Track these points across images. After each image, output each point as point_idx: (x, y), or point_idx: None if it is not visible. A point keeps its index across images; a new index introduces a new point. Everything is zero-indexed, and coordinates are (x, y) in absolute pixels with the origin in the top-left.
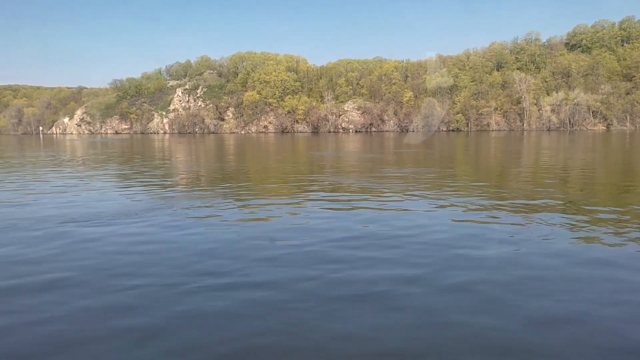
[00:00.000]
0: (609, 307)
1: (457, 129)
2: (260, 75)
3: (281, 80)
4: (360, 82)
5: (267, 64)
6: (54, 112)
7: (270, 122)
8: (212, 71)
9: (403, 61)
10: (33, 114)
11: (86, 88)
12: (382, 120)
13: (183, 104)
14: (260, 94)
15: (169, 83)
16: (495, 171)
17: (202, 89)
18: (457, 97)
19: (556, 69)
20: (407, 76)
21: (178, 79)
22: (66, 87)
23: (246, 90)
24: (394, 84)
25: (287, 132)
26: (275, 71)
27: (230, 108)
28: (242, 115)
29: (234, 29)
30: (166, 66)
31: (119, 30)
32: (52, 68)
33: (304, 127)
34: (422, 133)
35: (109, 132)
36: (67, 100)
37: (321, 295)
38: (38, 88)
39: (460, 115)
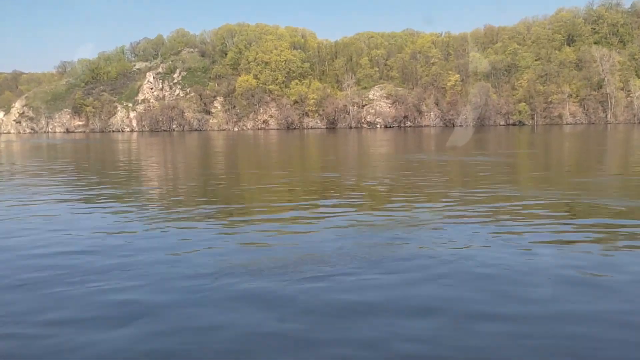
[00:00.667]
0: None
1: (520, 122)
2: (257, 54)
3: (285, 61)
4: (388, 62)
5: (265, 39)
6: None
7: (271, 116)
8: (192, 49)
9: (442, 34)
10: None
11: (24, 73)
12: (420, 112)
13: (155, 93)
14: (258, 78)
15: (135, 65)
16: None
17: (180, 73)
18: (518, 80)
19: None
20: (448, 54)
21: (147, 60)
22: None
23: (239, 74)
24: (432, 64)
25: (294, 128)
26: (276, 49)
27: (218, 97)
28: (234, 106)
29: None
30: (131, 43)
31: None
32: None
33: (317, 122)
34: (473, 128)
35: (57, 130)
36: (0, 89)
37: None
38: None
39: (524, 104)
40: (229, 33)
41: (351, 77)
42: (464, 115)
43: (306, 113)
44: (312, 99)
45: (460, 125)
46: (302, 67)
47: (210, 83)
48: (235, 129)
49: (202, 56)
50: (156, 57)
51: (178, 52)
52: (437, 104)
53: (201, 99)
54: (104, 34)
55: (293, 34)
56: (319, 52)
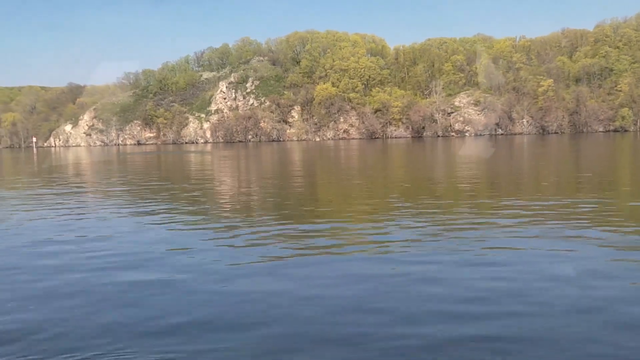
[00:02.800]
0: None
1: (622, 128)
2: (334, 61)
3: (363, 68)
4: (473, 68)
5: (340, 46)
6: (44, 118)
7: (351, 125)
8: (261, 58)
9: (517, 39)
10: (20, 122)
11: (80, 86)
12: (511, 119)
13: (229, 103)
14: (337, 86)
15: (202, 75)
16: None
17: (252, 82)
18: (618, 85)
19: None
20: (531, 58)
21: (212, 70)
22: (40, 87)
23: (314, 82)
24: (518, 69)
25: (377, 137)
26: (353, 56)
27: (295, 107)
28: (313, 115)
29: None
30: (195, 53)
31: (115, 14)
32: (21, 63)
33: (401, 131)
34: (569, 135)
35: (128, 142)
36: (58, 102)
37: None
38: (11, 89)
39: (627, 109)
40: (299, 41)
41: (438, 84)
42: (558, 121)
43: (389, 122)
44: (396, 106)
45: (556, 132)
46: (382, 74)
47: (286, 92)
48: (317, 139)
49: (273, 64)
50: (223, 66)
51: (247, 61)
52: (528, 111)
53: (279, 108)
54: (162, 46)
55: (366, 40)
56: (397, 58)
